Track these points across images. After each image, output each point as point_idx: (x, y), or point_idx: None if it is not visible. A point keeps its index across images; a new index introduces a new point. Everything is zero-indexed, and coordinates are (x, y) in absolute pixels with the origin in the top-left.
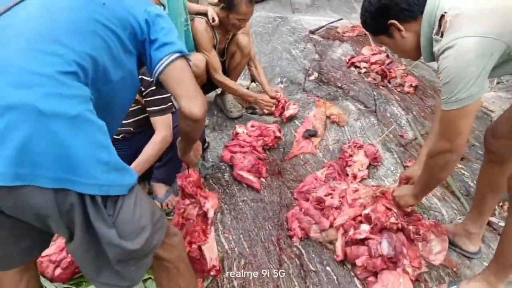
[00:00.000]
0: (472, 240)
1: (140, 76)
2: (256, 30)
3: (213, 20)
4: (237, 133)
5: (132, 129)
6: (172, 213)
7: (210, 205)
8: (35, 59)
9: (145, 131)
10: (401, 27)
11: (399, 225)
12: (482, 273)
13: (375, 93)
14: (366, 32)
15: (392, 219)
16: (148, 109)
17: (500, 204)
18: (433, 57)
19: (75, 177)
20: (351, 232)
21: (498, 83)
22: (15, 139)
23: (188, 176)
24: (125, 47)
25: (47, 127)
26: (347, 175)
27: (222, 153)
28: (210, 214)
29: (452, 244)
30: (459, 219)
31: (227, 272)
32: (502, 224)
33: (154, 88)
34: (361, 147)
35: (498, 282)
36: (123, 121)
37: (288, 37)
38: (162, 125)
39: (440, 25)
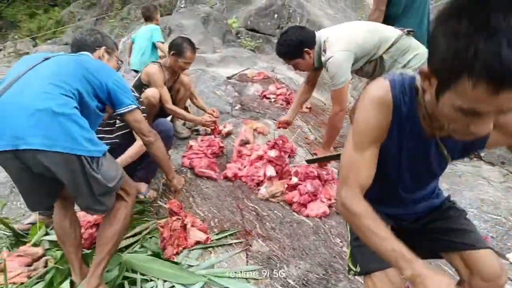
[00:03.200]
0: None
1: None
2: None
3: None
4: (191, 146)
5: (118, 141)
6: (153, 202)
7: (189, 220)
8: (50, 87)
9: (128, 143)
10: (311, 52)
11: (315, 174)
12: None
13: (283, 113)
14: (283, 60)
15: (310, 169)
16: None
17: None
18: (320, 63)
19: (75, 146)
20: (286, 185)
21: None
22: (42, 126)
23: (174, 202)
24: (92, 95)
25: (58, 120)
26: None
27: (182, 161)
28: (189, 225)
29: None
30: None
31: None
32: None
33: None
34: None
35: None
36: (111, 135)
37: (211, 83)
38: None
39: (324, 47)
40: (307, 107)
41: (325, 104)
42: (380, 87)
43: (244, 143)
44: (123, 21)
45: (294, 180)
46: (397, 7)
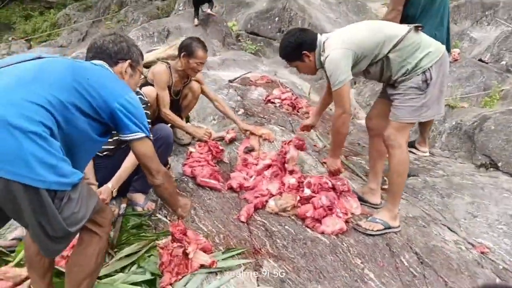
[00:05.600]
0: (375, 194)
1: (139, 96)
2: None
3: None
4: (191, 152)
5: (114, 146)
6: (151, 215)
7: (192, 248)
8: (19, 91)
9: (125, 147)
10: (310, 55)
11: (330, 184)
12: (384, 205)
13: (290, 119)
14: (284, 60)
15: (324, 179)
16: None
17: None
18: (321, 65)
19: (25, 173)
20: (298, 198)
21: None
22: None
23: (177, 226)
24: (88, 114)
25: (11, 134)
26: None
27: (183, 169)
28: (191, 254)
29: (362, 200)
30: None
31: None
32: None
33: None
34: (290, 141)
35: (394, 206)
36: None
37: (212, 86)
38: None
39: (323, 47)
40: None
41: (331, 109)
42: None
43: (249, 150)
44: (119, 24)
45: (307, 192)
46: (416, 7)
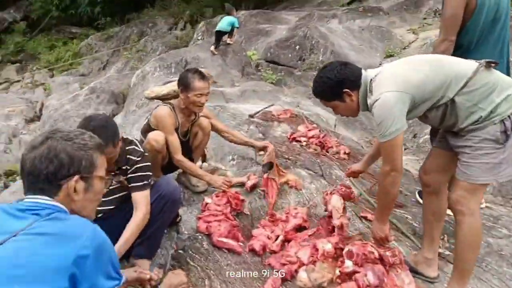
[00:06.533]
0: (431, 266)
1: (127, 156)
2: None
3: None
4: (206, 204)
5: (111, 207)
6: (159, 284)
7: None
8: None
9: (123, 207)
10: (352, 94)
11: (376, 255)
12: (448, 285)
13: (318, 161)
14: (319, 99)
15: (369, 248)
16: (130, 184)
17: (442, 237)
18: (367, 107)
19: None
20: (337, 271)
21: (405, 149)
22: None
23: None
24: None
25: None
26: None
27: (197, 224)
28: None
29: (415, 272)
30: (414, 253)
31: None
32: (448, 253)
33: (138, 166)
34: (333, 191)
35: (461, 287)
36: (103, 200)
37: (231, 121)
38: (142, 201)
39: (370, 87)
40: (345, 153)
41: (362, 147)
42: None
43: (268, 169)
44: (138, 54)
45: (349, 265)
46: (472, 34)
